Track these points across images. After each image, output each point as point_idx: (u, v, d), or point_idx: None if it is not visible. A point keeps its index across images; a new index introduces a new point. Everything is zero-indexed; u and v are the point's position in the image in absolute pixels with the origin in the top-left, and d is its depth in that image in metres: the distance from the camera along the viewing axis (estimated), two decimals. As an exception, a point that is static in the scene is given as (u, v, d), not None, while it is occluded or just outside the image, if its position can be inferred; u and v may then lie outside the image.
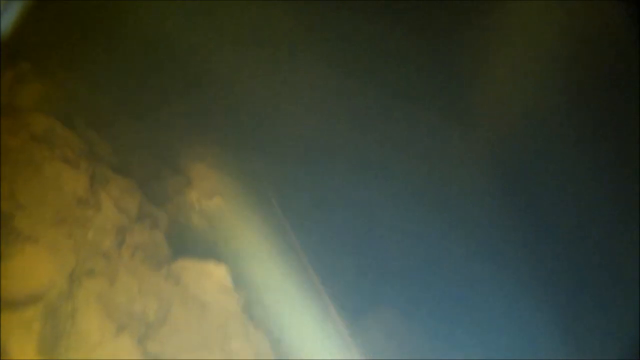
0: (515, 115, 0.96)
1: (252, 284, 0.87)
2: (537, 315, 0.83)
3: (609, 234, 0.87)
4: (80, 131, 0.93)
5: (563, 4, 1.02)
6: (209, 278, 0.88)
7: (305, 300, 0.85)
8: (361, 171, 0.93)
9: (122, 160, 0.95)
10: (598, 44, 0.99)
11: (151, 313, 0.85)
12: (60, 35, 0.97)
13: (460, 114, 0.95)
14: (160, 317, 0.84)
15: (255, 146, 0.96)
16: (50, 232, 0.83)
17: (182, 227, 0.93)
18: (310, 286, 0.87)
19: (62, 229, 0.84)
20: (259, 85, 0.96)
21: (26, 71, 0.96)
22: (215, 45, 0.96)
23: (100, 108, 0.97)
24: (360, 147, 0.94)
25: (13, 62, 0.95)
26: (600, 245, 0.87)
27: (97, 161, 0.93)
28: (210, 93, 0.97)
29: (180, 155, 0.97)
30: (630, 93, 0.95)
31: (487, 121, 0.95)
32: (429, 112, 0.93)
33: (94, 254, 0.85)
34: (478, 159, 0.93)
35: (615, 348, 0.80)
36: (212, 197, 0.95)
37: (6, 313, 0.77)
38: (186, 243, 0.91)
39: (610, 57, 0.99)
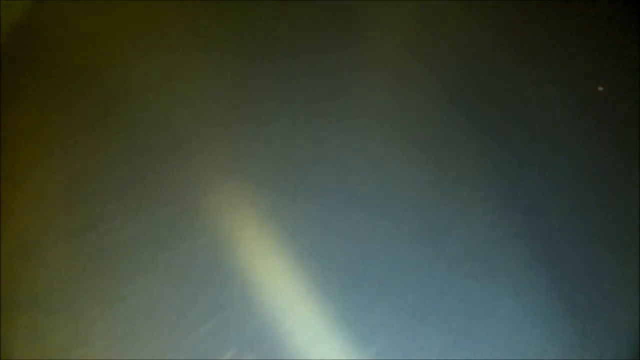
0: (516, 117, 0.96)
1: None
2: (535, 316, 0.82)
3: (607, 233, 0.87)
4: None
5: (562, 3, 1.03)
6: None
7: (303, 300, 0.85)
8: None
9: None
10: (597, 43, 1.00)
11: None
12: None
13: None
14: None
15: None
16: None
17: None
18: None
19: None
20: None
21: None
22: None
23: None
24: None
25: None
26: (598, 245, 0.86)
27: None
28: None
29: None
30: (630, 92, 0.95)
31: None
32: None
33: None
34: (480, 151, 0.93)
35: (615, 348, 0.80)
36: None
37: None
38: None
39: (610, 56, 0.99)
